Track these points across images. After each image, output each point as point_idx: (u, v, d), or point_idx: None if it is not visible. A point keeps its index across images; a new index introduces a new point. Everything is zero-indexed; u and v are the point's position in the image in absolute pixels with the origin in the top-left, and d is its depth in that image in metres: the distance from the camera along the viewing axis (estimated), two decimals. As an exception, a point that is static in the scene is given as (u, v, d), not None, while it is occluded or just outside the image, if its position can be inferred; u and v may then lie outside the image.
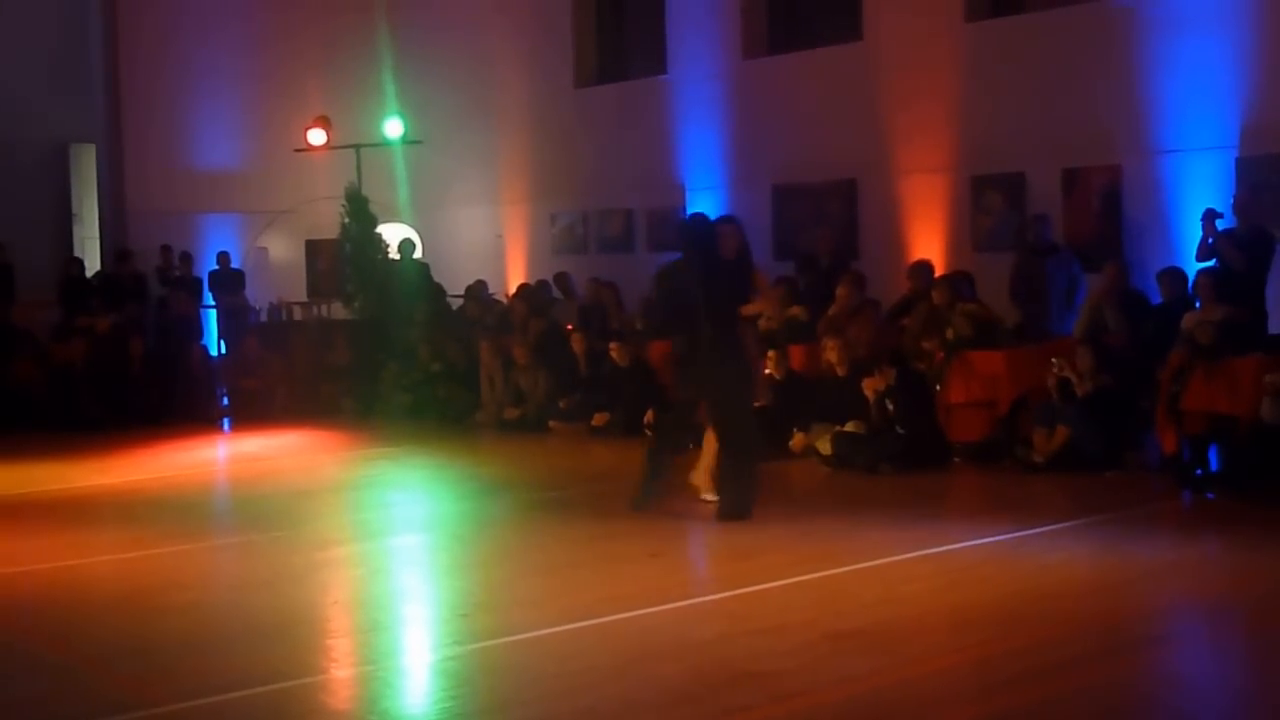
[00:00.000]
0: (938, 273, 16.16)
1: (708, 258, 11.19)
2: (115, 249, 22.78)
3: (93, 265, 23.98)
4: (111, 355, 19.54)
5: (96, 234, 24.90)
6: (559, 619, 8.24)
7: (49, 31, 24.93)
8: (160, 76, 23.18)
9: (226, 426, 19.13)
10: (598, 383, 17.28)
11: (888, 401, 13.77)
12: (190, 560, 10.61)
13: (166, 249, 22.32)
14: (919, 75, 17.51)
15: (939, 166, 17.29)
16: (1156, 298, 14.28)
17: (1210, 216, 13.73)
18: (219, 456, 17.05)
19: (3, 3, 24.49)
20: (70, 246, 25.04)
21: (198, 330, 21.55)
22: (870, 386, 13.95)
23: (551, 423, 17.37)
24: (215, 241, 23.04)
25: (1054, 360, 13.36)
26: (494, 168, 23.47)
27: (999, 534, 10.40)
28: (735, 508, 11.16)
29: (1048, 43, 16.36)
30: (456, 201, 23.67)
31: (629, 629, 8.08)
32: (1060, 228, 15.74)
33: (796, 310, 16.40)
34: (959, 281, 15.41)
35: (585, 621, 8.17)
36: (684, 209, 20.02)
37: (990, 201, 16.78)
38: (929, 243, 17.18)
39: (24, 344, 19.78)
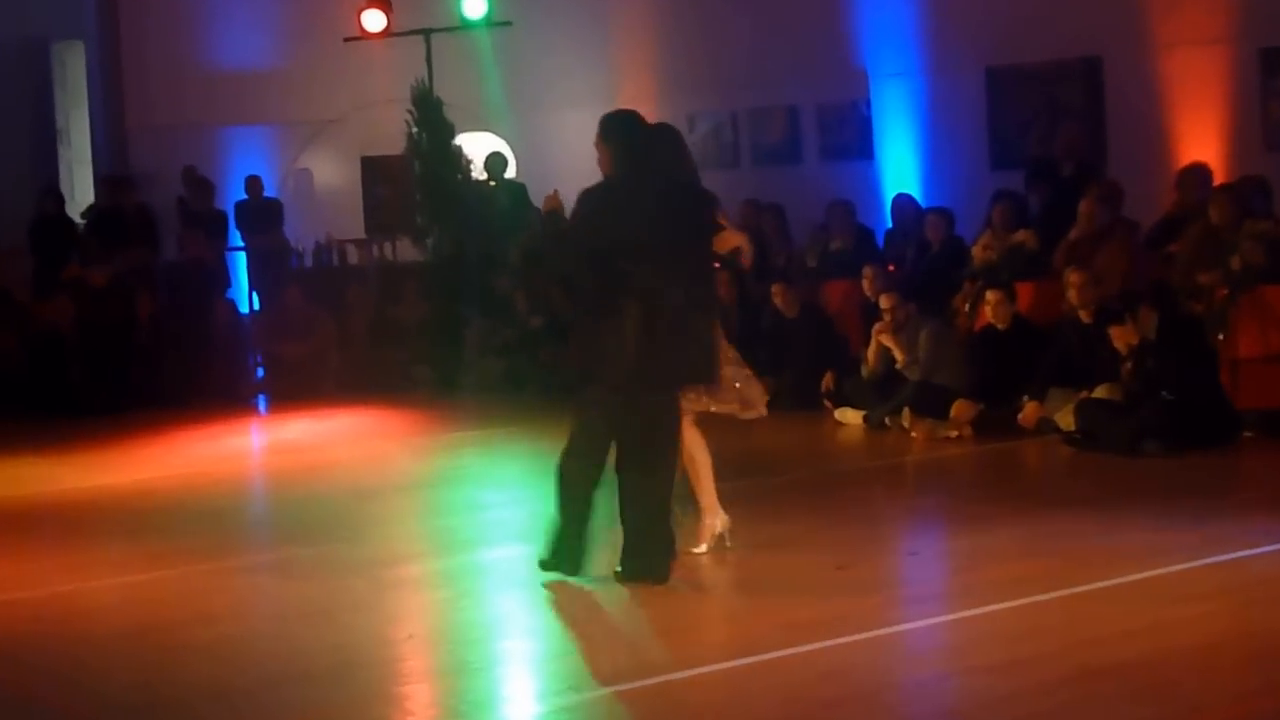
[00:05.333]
0: (1216, 181, 15.93)
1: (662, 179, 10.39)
2: (111, 176, 22.98)
3: (84, 198, 24.22)
4: (111, 317, 19.76)
5: (88, 157, 25.18)
6: (713, 656, 8.28)
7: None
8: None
9: (262, 406, 19.38)
10: (756, 339, 17.17)
11: (1145, 358, 13.58)
12: (219, 583, 10.70)
13: (191, 172, 22.41)
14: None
15: (1215, 36, 17.16)
16: None
17: None
18: (253, 446, 17.34)
19: None
20: (55, 174, 25.26)
21: (222, 281, 21.77)
22: (1121, 338, 13.81)
23: (695, 393, 17.36)
24: (242, 163, 23.30)
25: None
26: (608, 55, 23.37)
27: (1310, 533, 10.33)
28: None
29: None
30: (559, 103, 23.53)
31: (809, 666, 8.04)
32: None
33: (1024, 236, 16.37)
34: (1248, 192, 15.25)
35: (749, 658, 8.14)
36: (867, 103, 19.88)
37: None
38: (1202, 141, 17.05)
39: (-2, 305, 20.08)
